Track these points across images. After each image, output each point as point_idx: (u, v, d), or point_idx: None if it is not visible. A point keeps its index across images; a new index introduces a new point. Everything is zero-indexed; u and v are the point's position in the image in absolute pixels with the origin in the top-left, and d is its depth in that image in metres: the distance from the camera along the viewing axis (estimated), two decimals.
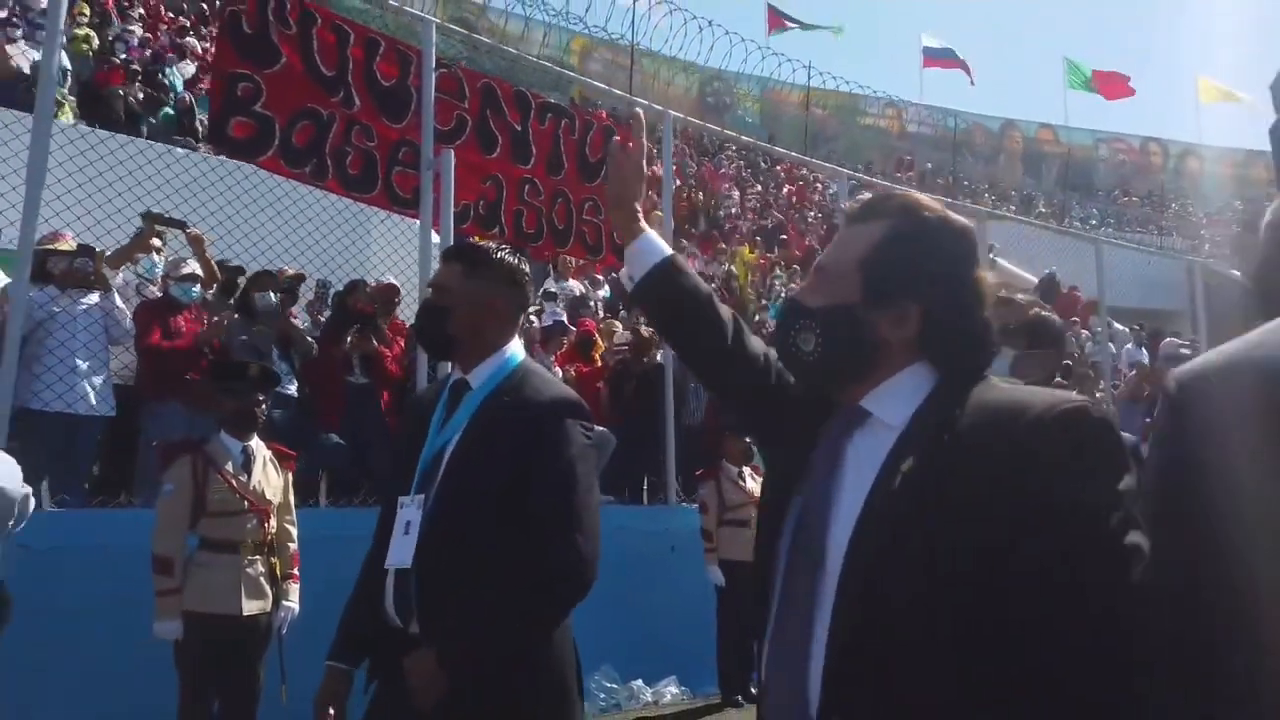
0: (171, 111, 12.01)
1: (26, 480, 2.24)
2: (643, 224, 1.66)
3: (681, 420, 7.05)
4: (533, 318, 7.42)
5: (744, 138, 13.67)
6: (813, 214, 19.71)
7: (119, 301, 4.88)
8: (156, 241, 5.51)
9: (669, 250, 1.65)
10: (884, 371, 1.35)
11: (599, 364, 7.24)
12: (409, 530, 2.15)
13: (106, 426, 4.90)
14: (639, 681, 5.99)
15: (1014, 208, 25.39)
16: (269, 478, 4.10)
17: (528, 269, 2.38)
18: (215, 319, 5.26)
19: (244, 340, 5.11)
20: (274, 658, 4.04)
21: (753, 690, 5.65)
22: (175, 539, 3.82)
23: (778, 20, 30.54)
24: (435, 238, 5.42)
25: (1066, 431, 1.18)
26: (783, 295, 11.91)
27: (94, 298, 4.78)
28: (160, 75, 12.85)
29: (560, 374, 6.81)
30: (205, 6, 17.08)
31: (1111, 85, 32.07)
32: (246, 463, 4.03)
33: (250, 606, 3.88)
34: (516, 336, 2.35)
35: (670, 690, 6.12)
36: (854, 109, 30.42)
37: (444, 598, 2.07)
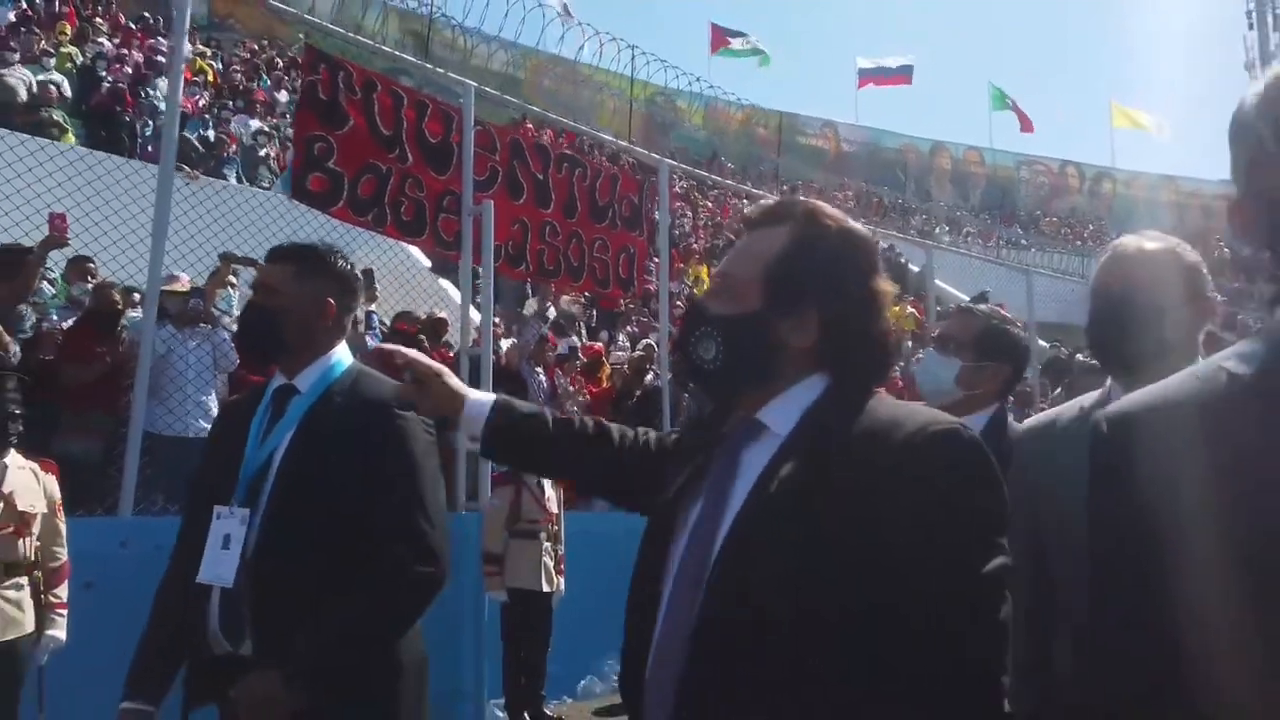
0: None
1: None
2: (461, 394, 1.65)
3: None
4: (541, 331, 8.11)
5: (694, 169, 14.44)
6: None
7: (226, 336, 5.55)
8: (231, 278, 6.17)
9: (490, 399, 1.65)
10: (782, 382, 1.34)
11: (606, 385, 8.06)
12: (229, 544, 2.00)
13: None
14: None
15: (945, 227, 26.83)
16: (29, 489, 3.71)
17: (358, 272, 2.33)
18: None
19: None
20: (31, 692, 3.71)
21: (548, 712, 5.72)
22: None
23: (721, 38, 31.64)
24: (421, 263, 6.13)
25: (936, 451, 1.19)
26: None
27: (203, 332, 5.42)
28: (144, 95, 13.18)
29: (571, 391, 7.61)
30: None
31: (1023, 119, 34.25)
32: None
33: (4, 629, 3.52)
34: (344, 340, 2.25)
35: None
36: (793, 127, 31.69)
37: (283, 613, 1.94)
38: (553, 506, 5.84)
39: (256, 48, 19.73)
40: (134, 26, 17.45)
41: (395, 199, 6.00)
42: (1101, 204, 35.11)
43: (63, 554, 3.80)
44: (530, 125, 16.06)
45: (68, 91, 11.81)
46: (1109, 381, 1.91)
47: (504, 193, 6.70)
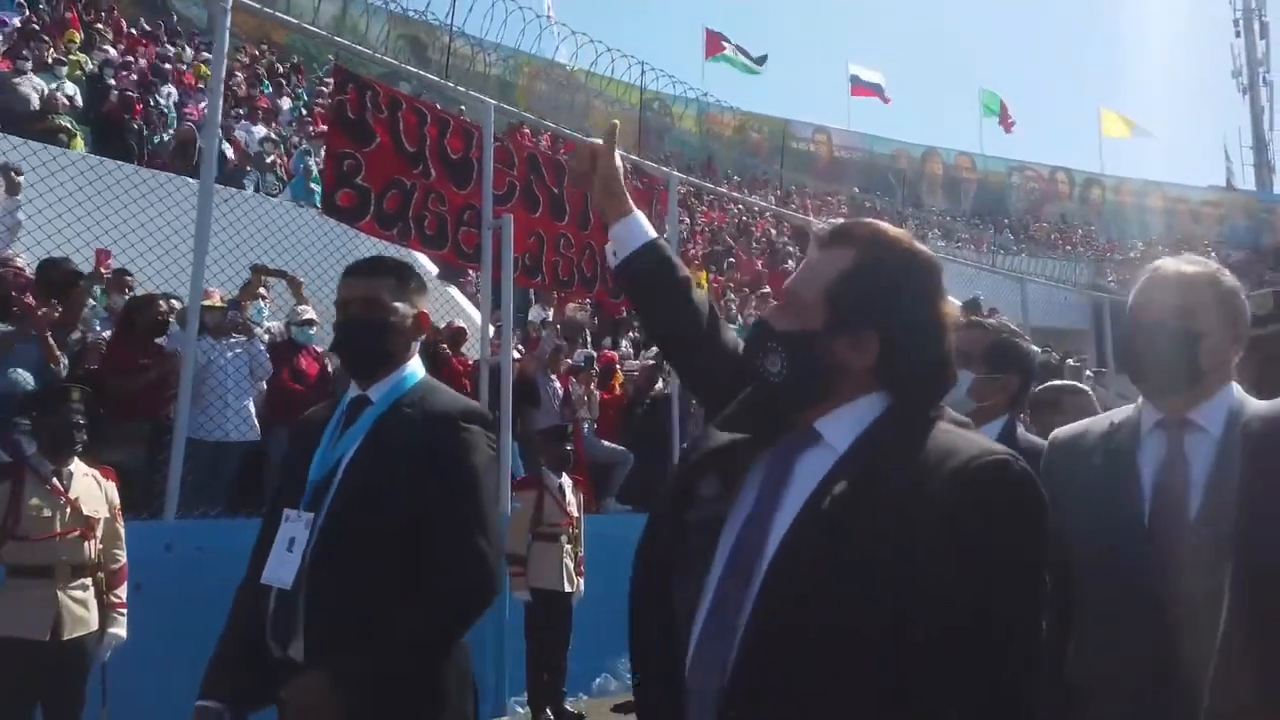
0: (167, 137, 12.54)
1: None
2: (630, 204, 1.73)
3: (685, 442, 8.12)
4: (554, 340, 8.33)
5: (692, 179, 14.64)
6: (758, 236, 20.91)
7: (261, 345, 5.77)
8: (262, 290, 6.37)
9: (654, 233, 1.72)
10: (842, 397, 1.38)
11: (619, 392, 8.29)
12: (292, 547, 2.05)
13: (249, 449, 5.76)
14: None
15: (939, 232, 27.13)
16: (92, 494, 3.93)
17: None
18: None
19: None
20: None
21: (568, 708, 5.89)
22: None
23: (716, 43, 31.90)
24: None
25: (984, 482, 1.22)
26: (738, 317, 13.06)
27: (240, 342, 5.64)
28: (151, 102, 13.29)
29: (585, 399, 7.83)
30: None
31: (1005, 121, 34.70)
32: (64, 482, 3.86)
33: (71, 627, 3.74)
34: (418, 354, 2.31)
35: None
36: (786, 133, 31.96)
37: (335, 617, 1.98)
38: (573, 510, 6.03)
39: (257, 53, 19.81)
40: (134, 33, 17.49)
41: (419, 213, 6.21)
42: (1091, 210, 35.49)
43: (122, 556, 4.03)
44: (528, 131, 16.25)
45: (79, 100, 11.91)
46: (1140, 400, 1.95)
47: (521, 206, 6.93)
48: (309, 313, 6.25)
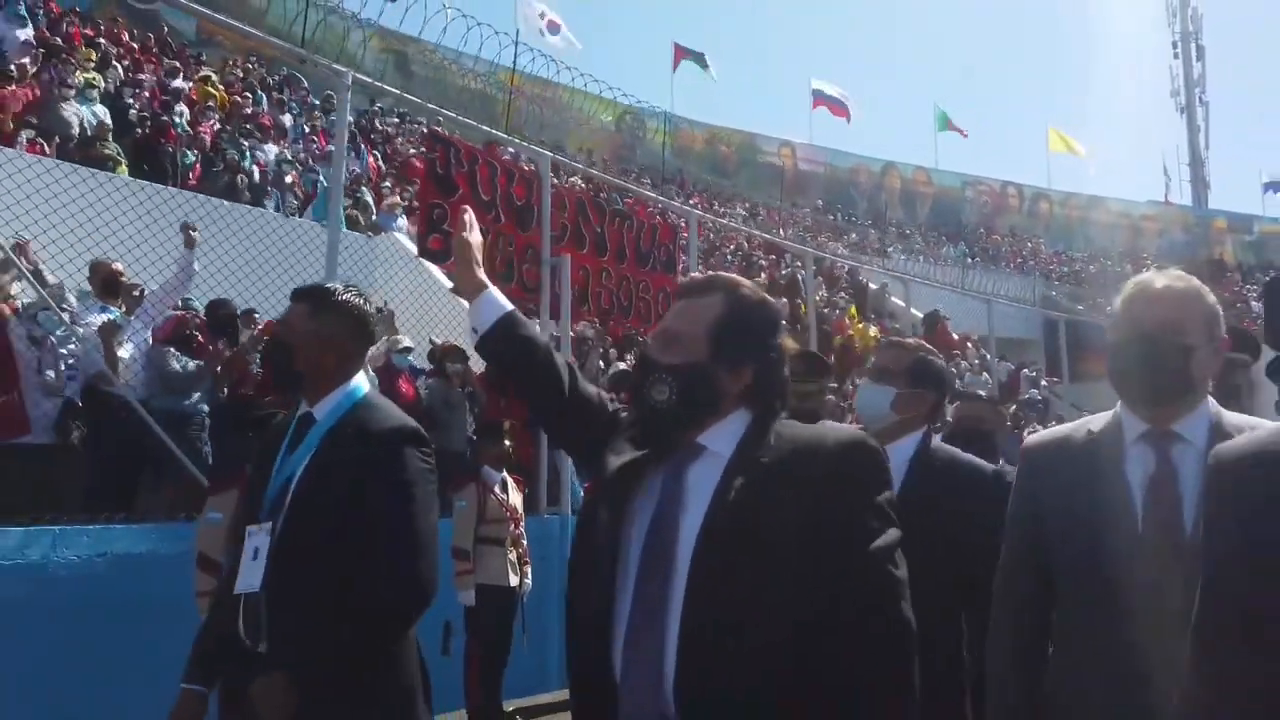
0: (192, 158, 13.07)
1: None
2: (484, 280, 1.86)
3: None
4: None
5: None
6: (732, 249, 21.87)
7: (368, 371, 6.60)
8: None
9: (509, 306, 1.86)
10: (718, 415, 1.66)
11: None
12: (257, 556, 2.23)
13: None
14: None
15: (899, 245, 28.45)
16: None
17: (372, 310, 2.50)
18: None
19: (445, 399, 6.92)
20: None
21: (507, 709, 5.91)
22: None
23: (683, 57, 32.90)
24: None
25: (857, 457, 1.59)
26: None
27: None
28: (170, 121, 13.75)
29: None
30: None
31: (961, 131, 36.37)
32: None
33: None
34: (362, 371, 2.43)
35: None
36: (753, 147, 33.13)
37: (291, 619, 2.15)
38: (515, 506, 5.99)
39: (250, 66, 20.20)
40: (136, 47, 17.81)
41: (491, 254, 7.15)
42: (1039, 223, 37.15)
43: None
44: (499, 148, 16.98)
45: (109, 121, 12.31)
46: (1118, 406, 1.98)
47: (571, 244, 7.90)
48: (405, 341, 7.12)
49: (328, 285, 2.50)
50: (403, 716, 2.25)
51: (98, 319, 5.16)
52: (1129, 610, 1.81)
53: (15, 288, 4.79)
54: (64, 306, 5.00)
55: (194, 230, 5.65)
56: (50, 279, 5.00)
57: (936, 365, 2.72)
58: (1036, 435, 2.15)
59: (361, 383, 2.39)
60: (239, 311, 5.98)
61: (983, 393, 9.39)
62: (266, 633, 2.17)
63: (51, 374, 4.70)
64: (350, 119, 18.88)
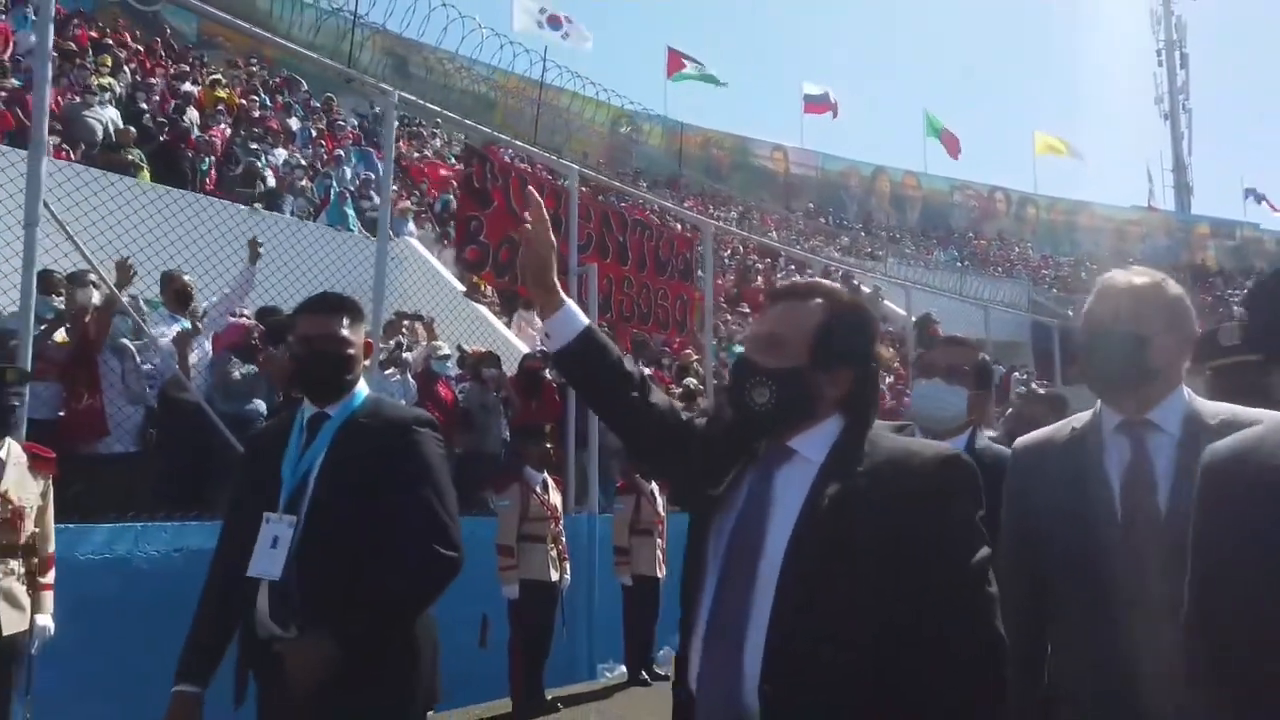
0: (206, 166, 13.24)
1: None
2: (561, 295, 1.83)
3: None
4: None
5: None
6: (727, 254, 22.21)
7: (410, 377, 6.92)
8: (404, 329, 7.56)
9: (587, 320, 1.85)
10: (814, 420, 1.66)
11: None
12: (276, 544, 2.29)
13: None
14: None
15: (890, 249, 28.88)
16: (23, 482, 3.85)
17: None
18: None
19: (481, 403, 7.24)
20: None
21: (548, 698, 6.05)
22: None
23: (678, 61, 33.22)
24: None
25: (948, 474, 1.56)
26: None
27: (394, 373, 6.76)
28: (180, 122, 13.92)
29: None
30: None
31: (950, 142, 36.60)
32: None
33: (9, 622, 3.66)
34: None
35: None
36: (746, 150, 33.51)
37: (325, 598, 2.22)
38: (555, 506, 6.31)
39: (255, 68, 20.35)
40: (141, 50, 17.94)
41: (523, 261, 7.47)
42: (1026, 227, 37.73)
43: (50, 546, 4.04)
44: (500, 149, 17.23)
45: (130, 127, 12.48)
46: (1099, 404, 2.02)
47: (595, 254, 8.22)
48: (445, 348, 7.43)
49: (350, 297, 2.58)
50: (426, 674, 2.36)
51: (171, 329, 5.45)
52: (1114, 599, 1.83)
53: (96, 296, 5.06)
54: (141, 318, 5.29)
55: (260, 245, 5.93)
56: (128, 291, 5.27)
57: (990, 365, 2.71)
58: (1024, 437, 2.18)
59: (363, 384, 2.53)
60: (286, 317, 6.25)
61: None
62: (302, 615, 2.23)
63: (133, 381, 4.98)
64: (354, 123, 19.29)
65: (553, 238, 1.83)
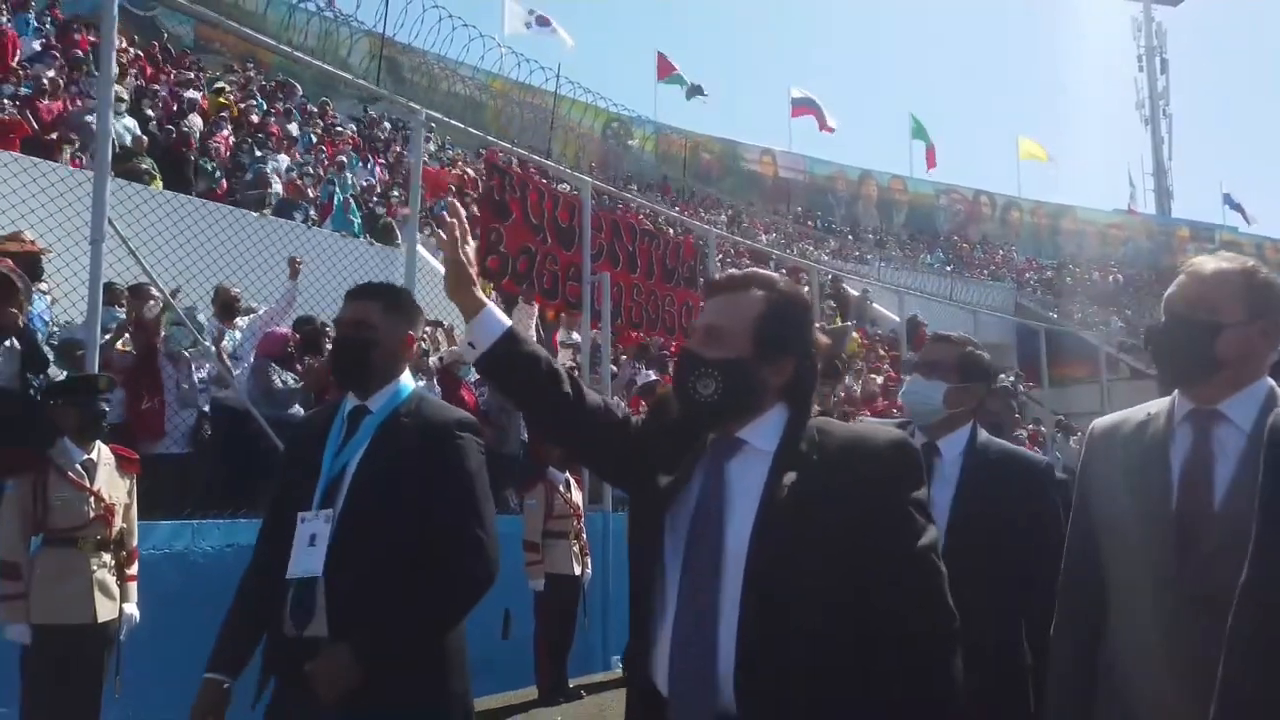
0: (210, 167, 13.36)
1: None
2: (481, 298, 1.80)
3: None
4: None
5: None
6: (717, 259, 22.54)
7: (435, 383, 7.24)
8: (424, 335, 7.83)
9: (508, 322, 1.81)
10: (759, 410, 1.67)
11: None
12: (315, 542, 2.25)
13: None
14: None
15: (878, 253, 29.29)
16: (113, 482, 4.18)
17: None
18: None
19: (501, 405, 7.56)
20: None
21: (571, 686, 6.26)
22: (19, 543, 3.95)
23: (667, 66, 33.52)
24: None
25: (895, 455, 1.59)
26: None
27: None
28: (184, 127, 14.04)
29: None
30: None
31: (928, 154, 37.11)
32: (90, 467, 4.10)
33: (103, 610, 4.00)
34: (408, 369, 2.51)
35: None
36: (735, 154, 33.88)
37: (354, 600, 2.19)
38: (577, 503, 6.63)
39: (252, 73, 20.47)
40: (142, 55, 18.02)
41: (541, 272, 7.81)
42: (1010, 231, 38.18)
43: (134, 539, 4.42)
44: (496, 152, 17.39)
45: (142, 135, 12.61)
46: (1175, 393, 1.95)
47: (607, 262, 8.56)
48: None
49: (395, 285, 2.59)
50: (457, 685, 2.33)
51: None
52: (1166, 589, 1.81)
53: (153, 307, 5.37)
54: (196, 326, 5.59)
55: (300, 262, 6.23)
56: (183, 301, 5.57)
57: (984, 359, 2.74)
58: (1101, 419, 2.12)
59: (409, 377, 2.48)
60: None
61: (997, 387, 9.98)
62: (326, 616, 2.20)
63: (187, 386, 5.29)
64: (351, 128, 19.48)
65: (470, 247, 1.83)
